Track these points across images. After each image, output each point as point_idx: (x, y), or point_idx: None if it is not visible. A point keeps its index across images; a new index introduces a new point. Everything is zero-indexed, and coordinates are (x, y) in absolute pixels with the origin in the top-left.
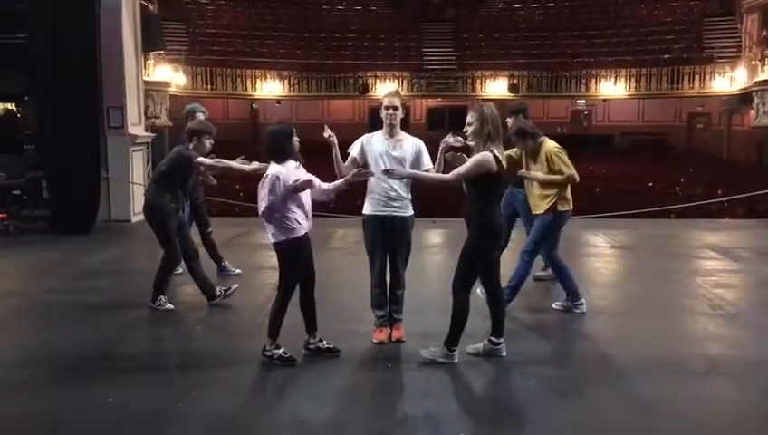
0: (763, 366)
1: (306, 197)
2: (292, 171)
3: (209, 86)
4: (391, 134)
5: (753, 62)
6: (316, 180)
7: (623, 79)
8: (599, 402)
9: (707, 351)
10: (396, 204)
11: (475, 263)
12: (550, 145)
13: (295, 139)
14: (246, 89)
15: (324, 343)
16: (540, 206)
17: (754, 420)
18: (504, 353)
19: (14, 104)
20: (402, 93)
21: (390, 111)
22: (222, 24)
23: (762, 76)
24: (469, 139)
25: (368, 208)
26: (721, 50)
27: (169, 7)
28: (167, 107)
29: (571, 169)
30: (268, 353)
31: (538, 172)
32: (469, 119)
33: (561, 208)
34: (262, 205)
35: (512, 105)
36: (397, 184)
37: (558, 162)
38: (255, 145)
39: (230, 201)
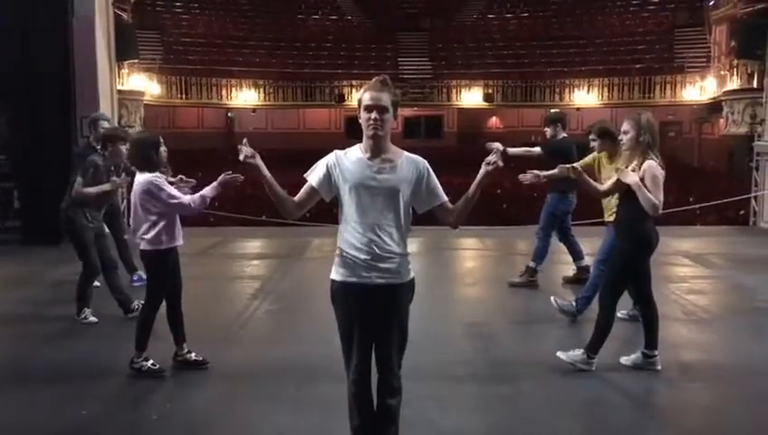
0: (735, 371)
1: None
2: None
3: (184, 95)
4: (376, 151)
5: (722, 72)
6: (185, 198)
7: (596, 88)
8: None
9: (681, 356)
10: (385, 265)
11: (626, 274)
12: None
13: (163, 149)
14: (222, 98)
15: (192, 355)
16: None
17: (731, 425)
18: (659, 367)
19: None
20: None
21: (374, 116)
22: (197, 33)
23: (730, 86)
24: (624, 147)
25: (338, 273)
26: (691, 60)
27: (143, 16)
28: (141, 116)
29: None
30: (136, 366)
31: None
32: (624, 127)
33: None
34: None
35: (549, 114)
36: (390, 233)
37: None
38: (231, 154)
39: (204, 211)
